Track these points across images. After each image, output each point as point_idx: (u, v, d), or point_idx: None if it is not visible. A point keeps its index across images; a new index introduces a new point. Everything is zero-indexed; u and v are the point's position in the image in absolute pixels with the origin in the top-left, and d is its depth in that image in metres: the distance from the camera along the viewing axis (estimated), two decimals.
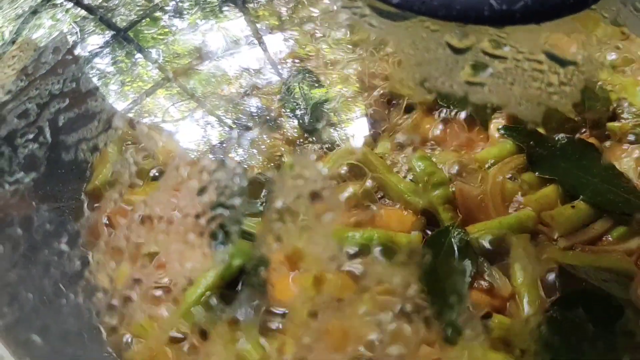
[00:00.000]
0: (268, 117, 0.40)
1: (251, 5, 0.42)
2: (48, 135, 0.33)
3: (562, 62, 0.31)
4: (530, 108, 0.31)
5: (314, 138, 0.38)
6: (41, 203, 0.33)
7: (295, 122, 0.39)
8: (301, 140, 0.39)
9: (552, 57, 0.30)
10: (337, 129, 0.40)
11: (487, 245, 0.35)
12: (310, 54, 0.42)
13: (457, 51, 0.30)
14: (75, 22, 0.44)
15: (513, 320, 0.33)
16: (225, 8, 0.44)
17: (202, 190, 0.31)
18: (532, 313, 0.33)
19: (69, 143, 0.33)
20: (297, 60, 0.41)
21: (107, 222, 0.33)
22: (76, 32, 0.43)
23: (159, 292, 0.31)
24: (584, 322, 0.33)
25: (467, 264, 0.35)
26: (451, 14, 0.29)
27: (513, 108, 0.32)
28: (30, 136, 0.34)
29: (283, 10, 0.43)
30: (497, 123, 0.40)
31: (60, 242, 0.33)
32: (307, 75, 0.41)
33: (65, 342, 0.31)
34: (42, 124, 0.33)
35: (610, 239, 0.37)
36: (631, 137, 0.40)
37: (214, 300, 0.30)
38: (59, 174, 0.34)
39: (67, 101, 0.37)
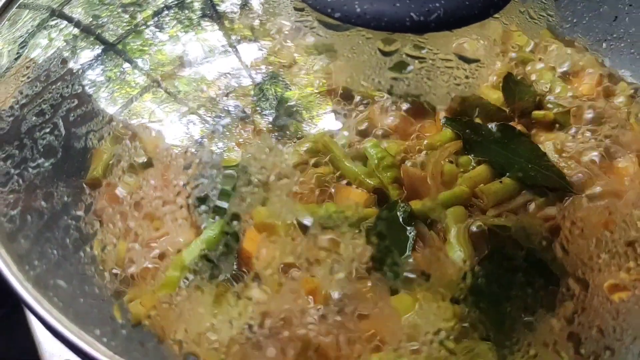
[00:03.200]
0: (242, 115, 0.48)
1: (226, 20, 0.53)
2: (62, 128, 0.44)
3: (468, 61, 0.42)
4: (440, 96, 0.42)
5: (283, 131, 0.47)
6: (58, 181, 0.44)
7: (267, 118, 0.48)
8: (273, 134, 0.48)
9: (460, 56, 0.41)
10: (303, 123, 0.48)
11: (427, 215, 0.44)
12: (279, 60, 0.50)
13: (386, 54, 0.41)
14: (67, 40, 0.54)
15: (448, 273, 0.43)
16: (203, 22, 0.53)
17: (187, 166, 0.42)
18: (464, 267, 0.42)
19: (77, 139, 0.45)
20: (268, 66, 0.50)
21: (110, 198, 0.44)
22: (70, 49, 0.54)
23: (153, 251, 0.42)
24: (506, 273, 0.43)
25: (410, 230, 0.44)
26: (380, 25, 0.39)
27: (427, 97, 0.43)
28: (47, 130, 0.46)
29: (255, 23, 0.52)
30: (441, 114, 0.51)
31: (77, 209, 0.44)
32: (276, 78, 0.49)
33: (84, 284, 0.42)
34: (56, 120, 0.45)
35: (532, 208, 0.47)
36: (553, 123, 0.50)
37: (197, 260, 0.42)
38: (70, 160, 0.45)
39: (69, 108, 0.48)
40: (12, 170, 0.47)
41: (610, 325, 0.39)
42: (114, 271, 0.42)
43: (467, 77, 0.43)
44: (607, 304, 0.40)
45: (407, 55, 0.42)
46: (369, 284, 0.42)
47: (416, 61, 0.41)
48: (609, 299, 0.40)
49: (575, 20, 0.53)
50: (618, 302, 0.40)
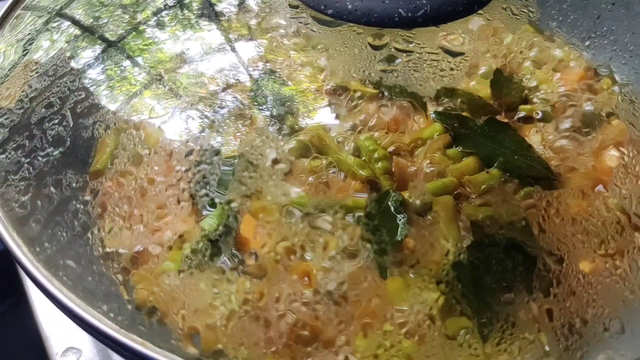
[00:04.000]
0: (240, 109, 0.51)
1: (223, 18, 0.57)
2: (70, 119, 0.48)
3: (453, 54, 0.46)
4: (427, 87, 0.46)
5: (280, 125, 0.50)
6: (67, 168, 0.48)
7: (264, 113, 0.51)
8: (269, 127, 0.50)
9: (446, 50, 0.45)
10: (299, 117, 0.51)
11: (417, 204, 0.47)
12: (275, 57, 0.53)
13: (376, 48, 0.44)
14: (69, 40, 0.57)
15: (435, 258, 0.46)
16: (201, 22, 0.56)
17: (187, 153, 0.46)
18: (451, 252, 0.45)
19: (84, 129, 0.49)
20: (265, 63, 0.53)
21: (114, 184, 0.48)
22: (72, 48, 0.57)
23: (156, 233, 0.46)
24: (489, 259, 0.46)
25: (401, 218, 0.47)
26: (371, 21, 0.43)
27: (414, 88, 0.47)
28: (55, 121, 0.50)
29: (252, 21, 0.55)
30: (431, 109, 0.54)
31: (85, 195, 0.48)
32: (272, 74, 0.53)
33: (91, 264, 0.46)
34: (64, 112, 0.49)
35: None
36: (538, 117, 0.53)
37: (199, 240, 0.45)
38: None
39: (76, 100, 0.52)
40: (23, 159, 0.51)
41: (582, 297, 0.43)
42: (120, 251, 0.46)
43: (452, 69, 0.47)
44: (580, 278, 0.44)
45: (396, 49, 0.46)
46: (360, 264, 0.45)
47: (404, 54, 0.45)
48: (582, 273, 0.44)
49: (561, 19, 0.56)
50: (590, 276, 0.44)
